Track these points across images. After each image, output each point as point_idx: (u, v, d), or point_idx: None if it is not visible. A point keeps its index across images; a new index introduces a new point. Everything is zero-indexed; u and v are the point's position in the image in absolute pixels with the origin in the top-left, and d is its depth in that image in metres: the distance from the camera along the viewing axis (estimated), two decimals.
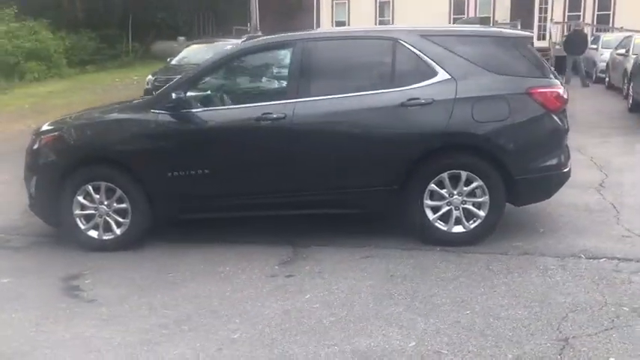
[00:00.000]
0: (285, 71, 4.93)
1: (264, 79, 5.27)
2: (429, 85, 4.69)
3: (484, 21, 21.60)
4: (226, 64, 5.10)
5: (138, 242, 5.05)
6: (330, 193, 4.85)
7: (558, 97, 4.70)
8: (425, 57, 4.73)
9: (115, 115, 5.17)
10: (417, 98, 4.64)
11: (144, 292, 4.20)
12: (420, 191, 4.73)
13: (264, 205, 4.95)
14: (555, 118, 4.71)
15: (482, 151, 4.66)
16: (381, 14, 25.60)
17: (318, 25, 26.07)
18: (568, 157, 4.92)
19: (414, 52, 4.74)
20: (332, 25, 25.99)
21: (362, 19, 24.70)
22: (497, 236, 4.92)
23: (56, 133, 5.10)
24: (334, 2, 26.20)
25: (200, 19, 30.72)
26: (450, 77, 4.69)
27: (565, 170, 4.80)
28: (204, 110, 4.87)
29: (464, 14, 24.49)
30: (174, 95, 4.78)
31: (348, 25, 25.54)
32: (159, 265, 4.71)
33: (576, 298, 3.84)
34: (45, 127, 5.28)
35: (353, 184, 4.80)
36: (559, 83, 4.80)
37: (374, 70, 4.93)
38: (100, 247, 5.02)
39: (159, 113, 4.86)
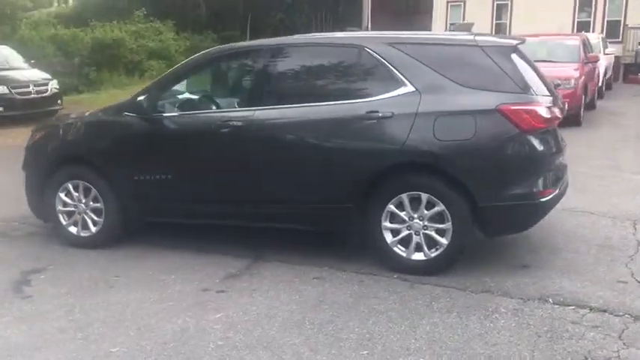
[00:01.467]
0: (249, 78, 4.79)
1: (227, 86, 5.16)
2: (391, 97, 4.30)
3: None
4: (193, 70, 5.04)
5: (115, 240, 5.16)
6: (285, 207, 4.63)
7: (535, 115, 4.09)
8: (390, 67, 4.34)
9: (94, 117, 5.31)
10: (377, 111, 4.28)
11: (79, 293, 4.26)
12: (378, 212, 4.36)
13: (223, 215, 4.84)
14: (530, 139, 4.11)
15: (444, 173, 4.19)
16: (498, 17, 24.32)
17: (430, 28, 25.36)
18: (552, 185, 4.27)
19: (380, 61, 4.37)
20: (445, 28, 25.14)
21: (477, 21, 23.60)
22: (470, 268, 4.43)
23: (43, 132, 5.36)
24: (449, 4, 25.30)
25: (318, 21, 31.08)
26: (414, 90, 4.27)
27: (543, 200, 4.17)
28: (168, 116, 4.86)
29: (590, 16, 22.60)
30: (142, 99, 4.82)
31: None
32: (116, 267, 4.76)
33: (498, 351, 3.32)
34: (39, 125, 5.57)
35: (308, 199, 4.54)
36: (540, 100, 4.18)
37: (337, 80, 4.62)
38: (78, 243, 5.19)
39: (128, 117, 4.93)
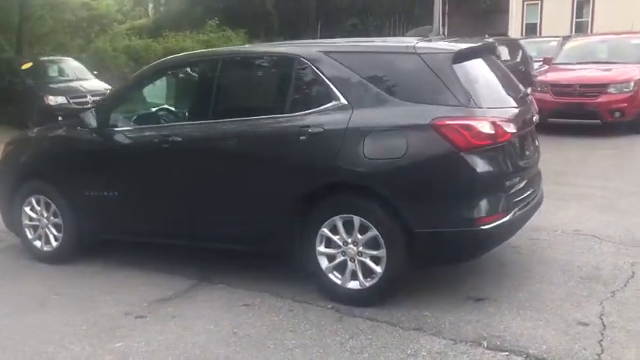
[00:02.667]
0: (189, 91, 4.58)
1: (173, 99, 4.96)
2: (322, 111, 3.94)
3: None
4: (140, 83, 4.89)
5: (76, 256, 5.10)
6: (223, 227, 4.38)
7: (474, 132, 3.58)
8: (323, 78, 3.98)
9: (52, 131, 5.28)
10: (308, 127, 3.93)
11: (8, 311, 4.22)
12: (312, 235, 4.01)
13: (167, 234, 4.66)
14: (468, 158, 3.60)
15: (375, 195, 3.78)
16: (579, 15, 22.80)
17: (507, 28, 24.19)
18: (501, 210, 3.72)
19: (314, 72, 4.02)
20: (521, 28, 23.90)
21: (556, 20, 22.30)
22: (417, 299, 3.99)
23: (10, 147, 5.41)
24: (525, 3, 24.01)
25: (391, 24, 30.54)
26: (346, 103, 3.88)
27: (485, 227, 3.64)
28: (113, 130, 4.73)
29: None
30: (91, 113, 4.74)
31: (540, 28, 23.28)
32: (62, 284, 4.68)
33: None
34: (12, 138, 5.63)
35: (243, 219, 4.26)
36: (483, 114, 3.66)
37: (271, 92, 4.32)
38: (42, 257, 5.19)
39: (78, 131, 4.86)
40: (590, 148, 9.24)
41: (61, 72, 15.40)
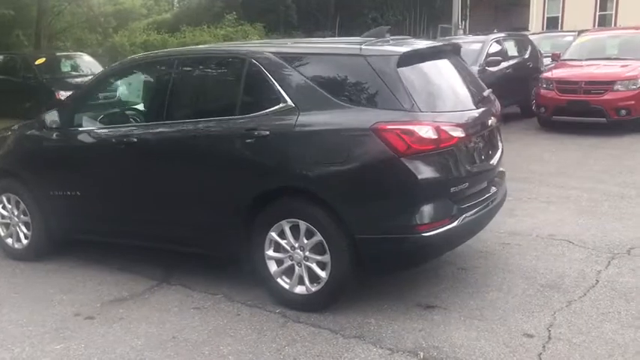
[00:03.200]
0: (147, 91, 4.56)
1: (128, 100, 4.94)
2: (270, 113, 3.88)
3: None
4: (103, 83, 4.89)
5: (46, 253, 5.13)
6: (175, 229, 4.36)
7: (415, 137, 3.48)
8: (272, 80, 3.91)
9: (21, 129, 5.31)
10: (255, 129, 3.88)
11: None
12: (260, 239, 3.96)
13: (127, 235, 4.66)
14: (409, 163, 3.50)
15: (318, 200, 3.71)
16: (602, 7, 22.22)
17: (528, 22, 23.72)
18: (445, 216, 3.62)
19: (263, 74, 3.96)
20: (542, 22, 23.41)
21: (578, 14, 21.76)
22: (365, 305, 3.93)
23: None
24: None
25: (412, 18, 30.23)
26: (293, 106, 3.82)
27: (426, 234, 3.54)
28: (74, 131, 4.73)
29: None
30: (54, 112, 4.76)
31: (561, 22, 22.77)
32: (26, 282, 4.71)
33: None
34: None
35: (195, 221, 4.24)
36: (427, 118, 3.56)
37: (223, 93, 4.28)
38: (14, 255, 5.24)
39: (45, 130, 4.88)
40: (591, 147, 8.98)
41: (74, 67, 15.59)
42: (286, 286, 3.95)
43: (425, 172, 3.52)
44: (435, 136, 3.53)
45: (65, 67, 15.55)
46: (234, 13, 26.09)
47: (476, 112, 3.96)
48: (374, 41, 4.05)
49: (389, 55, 3.71)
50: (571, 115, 10.15)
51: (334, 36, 24.65)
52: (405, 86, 3.59)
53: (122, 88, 4.92)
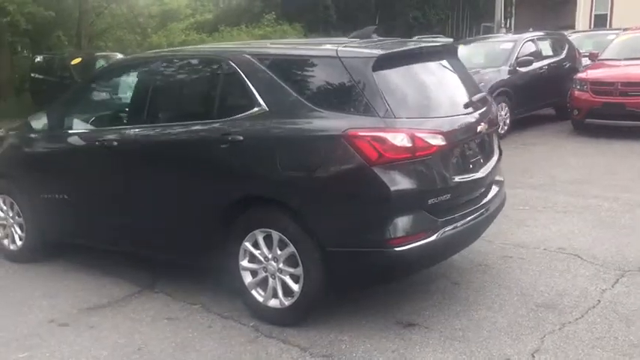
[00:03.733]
0: (132, 94, 4.45)
1: (114, 103, 4.84)
2: (245, 118, 3.71)
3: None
4: (92, 84, 4.82)
5: (40, 255, 5.11)
6: (154, 236, 4.25)
7: (388, 145, 3.24)
8: (248, 82, 3.74)
9: (17, 132, 5.30)
10: (229, 134, 3.72)
11: None
12: (235, 249, 3.80)
13: (110, 240, 4.59)
14: (381, 173, 3.25)
15: (289, 209, 3.52)
16: None
17: (574, 20, 22.88)
18: (421, 230, 3.36)
19: (239, 76, 3.79)
20: (590, 20, 22.52)
21: (628, 11, 20.78)
22: (344, 321, 3.72)
23: None
24: None
25: (454, 17, 29.61)
26: (267, 110, 3.64)
27: (399, 249, 3.29)
28: (60, 133, 4.68)
29: None
30: (44, 115, 4.72)
31: (610, 19, 21.85)
32: (13, 285, 4.68)
33: None
34: None
35: (171, 228, 4.11)
36: (402, 125, 3.31)
37: (200, 97, 4.12)
38: (9, 256, 5.24)
39: (37, 133, 4.85)
40: (624, 153, 8.48)
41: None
42: (260, 299, 3.77)
43: (398, 182, 3.28)
44: (410, 145, 3.28)
45: (101, 67, 15.79)
46: (273, 13, 26.13)
47: (464, 118, 3.70)
48: (355, 42, 3.83)
49: (365, 58, 3.48)
50: (606, 118, 9.64)
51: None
52: (380, 90, 3.36)
53: (99, 92, 4.83)
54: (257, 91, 3.69)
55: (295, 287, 3.60)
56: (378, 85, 3.37)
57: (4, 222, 5.25)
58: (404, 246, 3.30)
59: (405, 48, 3.84)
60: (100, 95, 4.80)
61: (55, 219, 4.85)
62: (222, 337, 3.67)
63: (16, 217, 5.13)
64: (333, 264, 3.44)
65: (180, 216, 4.03)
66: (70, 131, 4.68)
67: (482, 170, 3.85)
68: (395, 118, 3.31)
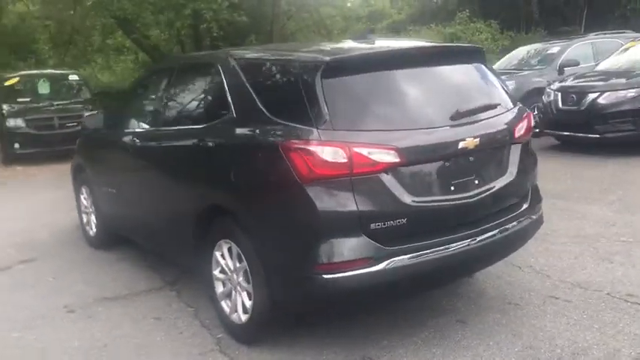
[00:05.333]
0: (152, 97, 4.63)
1: (145, 103, 4.92)
2: (219, 124, 3.60)
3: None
4: (135, 87, 5.04)
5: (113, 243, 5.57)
6: (149, 234, 4.46)
7: (316, 159, 2.86)
8: (226, 87, 3.62)
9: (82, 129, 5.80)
10: (203, 140, 3.64)
11: None
12: (208, 257, 3.72)
13: (139, 236, 4.81)
14: (309, 191, 2.87)
15: (238, 221, 3.32)
16: None
17: None
18: (355, 257, 2.90)
19: (221, 82, 3.68)
20: None
21: None
22: (308, 349, 3.43)
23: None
24: None
25: None
26: (234, 117, 3.48)
27: (327, 276, 2.88)
28: (110, 132, 5.00)
29: None
30: (100, 115, 5.11)
31: None
32: (71, 268, 5.13)
33: None
34: None
35: (163, 231, 4.22)
36: (333, 139, 2.89)
37: (192, 101, 4.09)
38: (90, 241, 5.76)
39: (89, 131, 5.29)
40: None
41: None
42: (227, 311, 3.64)
43: (329, 202, 2.90)
44: (345, 160, 2.88)
45: None
46: (467, 10, 25.09)
47: (439, 132, 3.14)
48: (335, 45, 3.49)
49: (314, 63, 3.13)
50: None
51: (578, 32, 22.10)
52: (323, 99, 2.98)
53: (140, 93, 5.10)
54: (230, 96, 3.56)
55: (248, 304, 3.41)
56: (323, 93, 3.00)
57: (87, 210, 5.82)
58: (335, 274, 2.91)
59: (365, 52, 3.39)
60: (139, 97, 5.05)
61: (108, 211, 5.23)
62: (183, 345, 3.61)
63: (91, 208, 5.65)
64: (270, 285, 3.18)
65: (169, 220, 4.09)
66: (114, 130, 4.99)
67: (473, 193, 3.24)
68: (333, 130, 2.93)
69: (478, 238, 3.24)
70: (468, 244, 3.19)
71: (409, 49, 3.60)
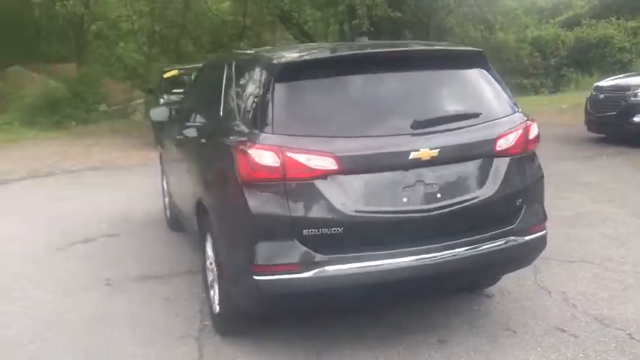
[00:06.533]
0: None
1: (187, 99, 5.14)
2: (215, 121, 3.80)
3: None
4: (195, 80, 5.34)
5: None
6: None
7: (251, 162, 2.94)
8: (223, 87, 3.79)
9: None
10: (202, 137, 3.87)
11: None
12: (204, 248, 3.92)
13: (182, 221, 5.18)
14: (246, 192, 2.97)
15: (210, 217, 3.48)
16: None
17: None
18: (286, 261, 2.92)
19: (222, 81, 3.85)
20: None
21: None
22: (272, 353, 3.49)
23: None
24: None
25: None
26: (221, 115, 3.65)
27: (260, 277, 2.94)
28: (170, 124, 5.35)
29: None
30: (165, 108, 5.53)
31: None
32: (132, 247, 5.70)
33: None
34: None
35: (184, 219, 4.52)
36: (268, 143, 2.91)
37: (205, 98, 4.33)
38: (168, 222, 6.31)
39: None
40: None
41: None
42: (215, 304, 3.80)
43: (262, 204, 2.93)
44: (277, 165, 2.88)
45: None
46: None
47: (393, 142, 2.99)
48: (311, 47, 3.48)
49: (269, 66, 3.16)
50: None
51: None
52: (272, 102, 3.01)
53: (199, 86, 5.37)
54: (223, 95, 3.72)
55: (217, 297, 3.55)
56: (272, 96, 3.03)
57: (166, 194, 6.35)
58: (266, 276, 2.94)
59: (318, 57, 3.30)
60: (187, 92, 5.38)
61: (170, 196, 5.68)
62: (170, 326, 3.84)
63: (167, 192, 6.17)
64: (222, 280, 3.29)
65: (186, 210, 4.37)
66: (171, 123, 5.36)
67: (433, 207, 3.03)
68: (273, 133, 2.94)
69: (434, 255, 3.03)
70: (419, 261, 3.00)
71: (373, 54, 3.43)
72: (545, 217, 3.43)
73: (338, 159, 2.89)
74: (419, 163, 3.00)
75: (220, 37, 22.74)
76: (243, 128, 3.12)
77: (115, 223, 6.50)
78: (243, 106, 3.32)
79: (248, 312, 3.35)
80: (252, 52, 4.07)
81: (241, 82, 3.56)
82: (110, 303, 4.31)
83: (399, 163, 2.99)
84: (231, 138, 3.21)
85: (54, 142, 14.02)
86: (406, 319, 3.72)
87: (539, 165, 3.44)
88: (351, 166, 2.92)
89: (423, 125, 3.04)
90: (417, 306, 3.88)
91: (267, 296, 3.01)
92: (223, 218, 3.25)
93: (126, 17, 22.19)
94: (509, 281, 4.19)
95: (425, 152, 2.99)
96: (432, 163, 3.02)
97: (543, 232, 3.38)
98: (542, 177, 3.43)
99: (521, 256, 3.34)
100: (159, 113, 5.42)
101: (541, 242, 3.38)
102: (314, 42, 20.33)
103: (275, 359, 3.36)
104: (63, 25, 24.30)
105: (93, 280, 4.79)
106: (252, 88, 3.28)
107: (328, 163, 2.89)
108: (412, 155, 2.97)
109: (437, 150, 3.01)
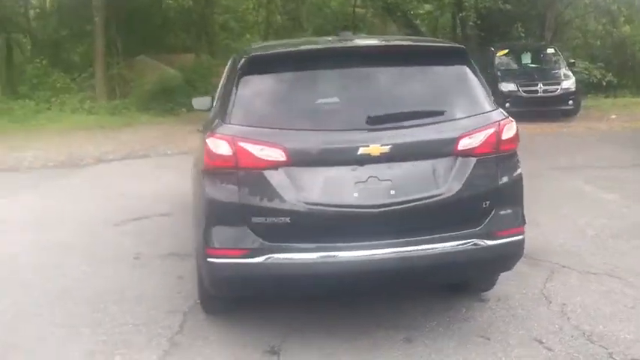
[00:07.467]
0: None
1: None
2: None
3: None
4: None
5: None
6: None
7: (209, 151, 3.15)
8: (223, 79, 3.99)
9: None
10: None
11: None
12: None
13: None
14: (206, 179, 3.20)
15: None
16: None
17: None
18: (236, 246, 3.09)
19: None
20: None
21: None
22: (239, 338, 3.65)
23: None
24: None
25: None
26: (214, 106, 3.86)
27: (212, 260, 3.12)
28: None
29: None
30: (209, 97, 5.79)
31: None
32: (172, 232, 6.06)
33: None
34: None
35: None
36: (222, 133, 3.09)
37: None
38: None
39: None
40: None
41: (533, 59, 15.57)
42: None
43: (217, 191, 3.12)
44: (230, 154, 3.02)
45: (525, 58, 15.63)
46: None
47: (343, 137, 3.01)
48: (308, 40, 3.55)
49: (241, 58, 3.34)
50: None
51: None
52: (236, 94, 3.19)
53: None
54: (219, 87, 3.92)
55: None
56: (238, 87, 3.20)
57: None
58: (219, 259, 3.10)
59: (282, 50, 3.35)
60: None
61: None
62: (168, 300, 4.10)
63: None
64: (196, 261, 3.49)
65: None
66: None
67: (383, 202, 3.01)
68: (231, 124, 3.09)
69: (384, 252, 3.01)
70: (368, 256, 3.00)
71: (338, 49, 3.41)
72: (522, 222, 3.27)
73: (287, 151, 2.98)
74: (371, 159, 3.00)
75: (330, 28, 23.09)
76: (216, 119, 3.30)
77: (173, 204, 6.93)
78: (219, 98, 3.49)
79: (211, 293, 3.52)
80: (247, 46, 4.22)
81: (227, 75, 3.73)
82: (128, 277, 4.65)
83: (350, 158, 3.01)
84: (206, 128, 3.40)
85: (161, 127, 14.96)
86: (384, 315, 3.70)
87: (518, 166, 3.27)
88: (300, 158, 2.99)
89: (378, 121, 3.04)
90: (401, 303, 3.84)
91: (220, 278, 3.17)
92: (194, 203, 3.46)
93: (252, 10, 23.18)
94: (514, 287, 4.04)
95: (374, 148, 2.98)
96: (386, 159, 3.00)
97: (518, 237, 3.23)
98: (519, 179, 3.26)
99: (488, 260, 3.21)
100: (202, 102, 5.68)
101: (514, 247, 3.23)
102: (420, 35, 20.08)
103: (242, 339, 3.49)
104: (188, 18, 25.84)
105: (126, 254, 5.18)
106: (226, 81, 3.45)
107: (278, 155, 2.98)
108: (361, 151, 2.98)
109: (388, 147, 2.99)
